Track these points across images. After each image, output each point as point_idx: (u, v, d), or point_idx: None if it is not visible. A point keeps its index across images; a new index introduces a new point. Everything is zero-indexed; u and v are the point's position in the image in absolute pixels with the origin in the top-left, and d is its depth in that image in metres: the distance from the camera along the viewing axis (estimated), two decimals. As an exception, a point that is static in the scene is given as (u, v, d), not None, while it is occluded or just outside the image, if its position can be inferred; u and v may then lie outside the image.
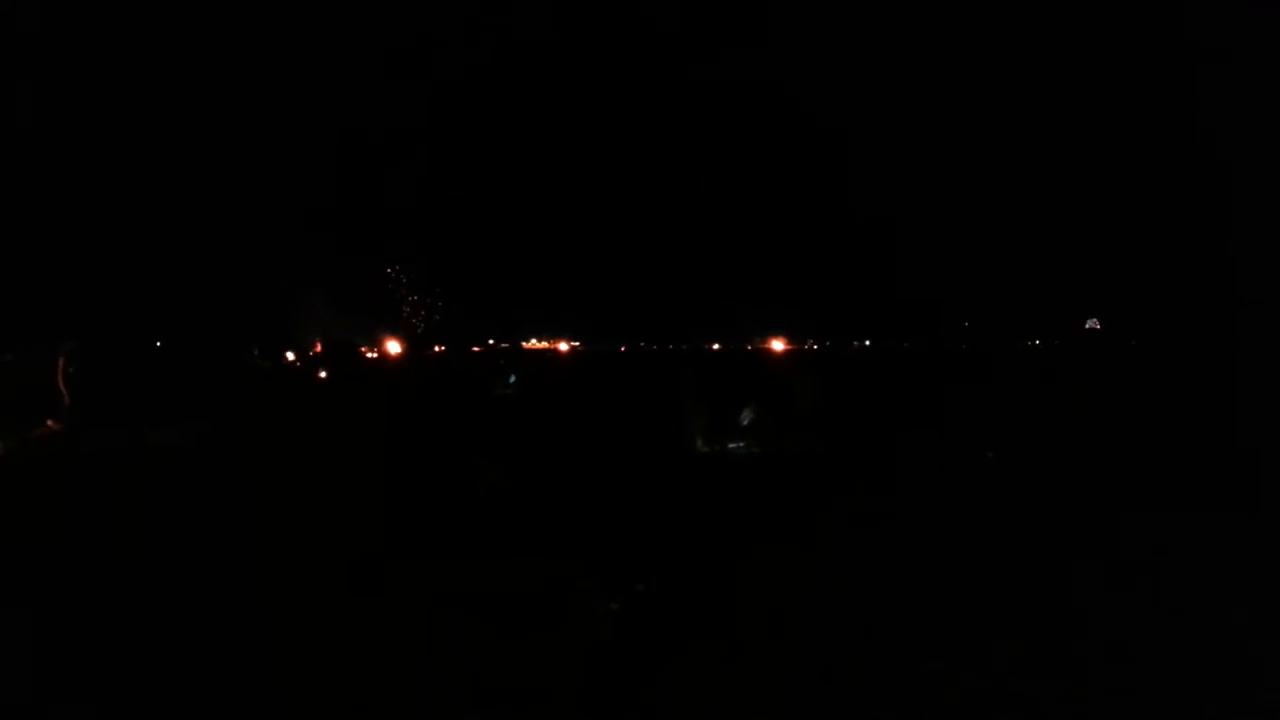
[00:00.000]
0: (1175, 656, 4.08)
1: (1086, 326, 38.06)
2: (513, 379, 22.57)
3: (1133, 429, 11.62)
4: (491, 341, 40.91)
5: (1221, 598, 4.79)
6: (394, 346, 30.64)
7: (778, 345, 38.09)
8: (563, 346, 40.39)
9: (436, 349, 37.18)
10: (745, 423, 11.62)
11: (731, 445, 10.26)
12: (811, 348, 42.11)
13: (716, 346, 42.03)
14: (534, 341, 41.61)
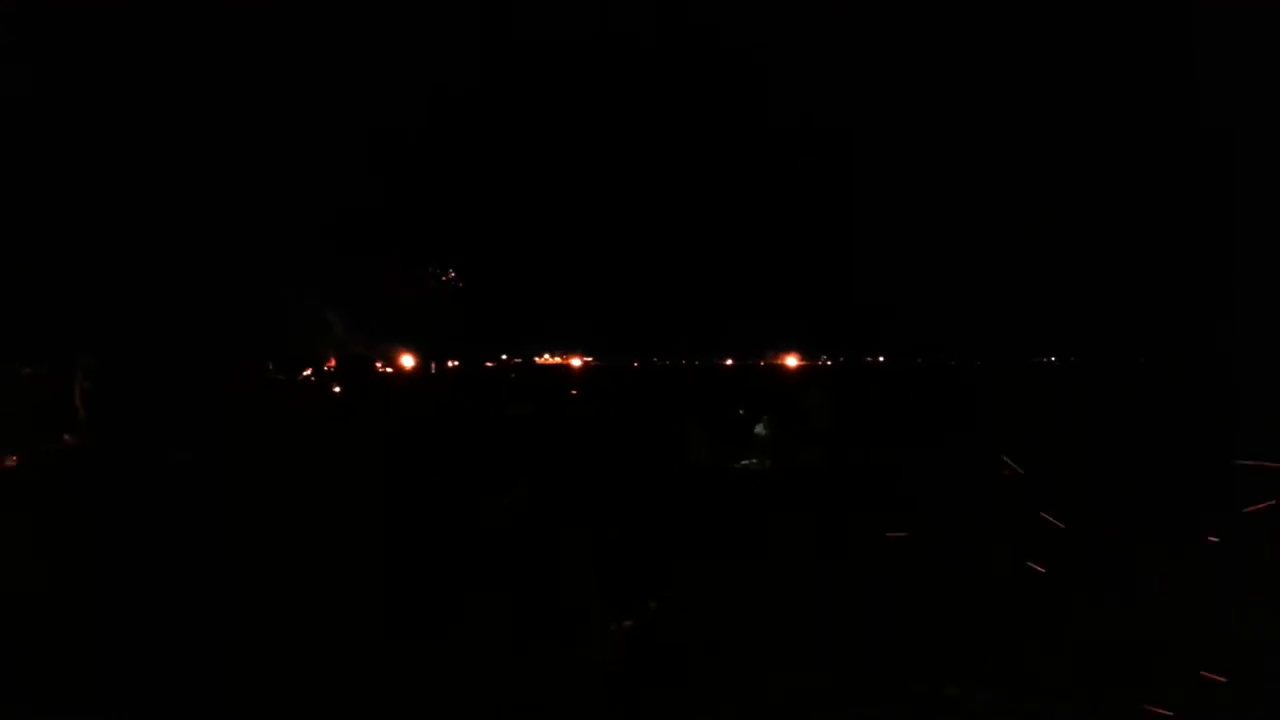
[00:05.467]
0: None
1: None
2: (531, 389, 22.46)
3: (1141, 446, 11.48)
4: (505, 356, 40.85)
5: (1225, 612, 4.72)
6: (408, 360, 30.65)
7: (791, 361, 37.92)
8: (575, 362, 40.26)
9: (450, 364, 37.21)
10: (758, 438, 11.60)
11: (745, 461, 10.23)
12: (825, 363, 41.73)
13: (729, 362, 41.71)
14: (546, 356, 41.50)
